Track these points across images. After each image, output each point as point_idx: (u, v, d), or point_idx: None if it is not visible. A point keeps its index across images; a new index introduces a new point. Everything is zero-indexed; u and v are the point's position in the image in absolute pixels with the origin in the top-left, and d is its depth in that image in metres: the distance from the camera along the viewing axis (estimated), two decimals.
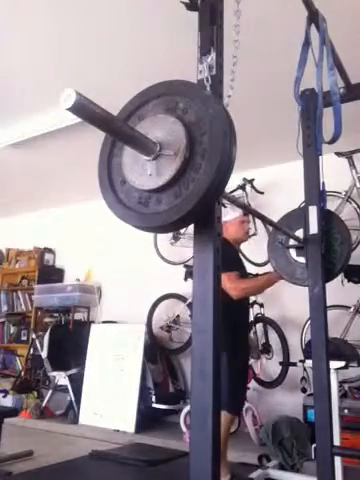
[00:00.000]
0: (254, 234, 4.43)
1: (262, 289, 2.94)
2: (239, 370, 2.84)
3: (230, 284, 2.76)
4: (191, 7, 1.17)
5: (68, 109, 0.82)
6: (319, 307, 1.86)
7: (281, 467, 3.18)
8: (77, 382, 4.77)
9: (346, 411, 3.31)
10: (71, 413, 4.69)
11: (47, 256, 6.25)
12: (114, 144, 1.15)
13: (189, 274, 4.60)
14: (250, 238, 4.44)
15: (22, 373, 5.57)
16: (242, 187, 4.54)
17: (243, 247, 4.41)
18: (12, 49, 3.04)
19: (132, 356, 4.56)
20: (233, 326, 2.76)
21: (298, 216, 2.06)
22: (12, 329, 6.22)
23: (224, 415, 2.76)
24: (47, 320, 5.90)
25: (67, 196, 5.90)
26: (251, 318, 4.19)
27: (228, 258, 2.78)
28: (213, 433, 0.97)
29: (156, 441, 4.00)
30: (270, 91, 3.39)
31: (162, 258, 5.05)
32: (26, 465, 3.29)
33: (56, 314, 5.79)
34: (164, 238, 4.99)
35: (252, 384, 4.07)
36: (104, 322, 5.29)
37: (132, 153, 1.06)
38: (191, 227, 1.08)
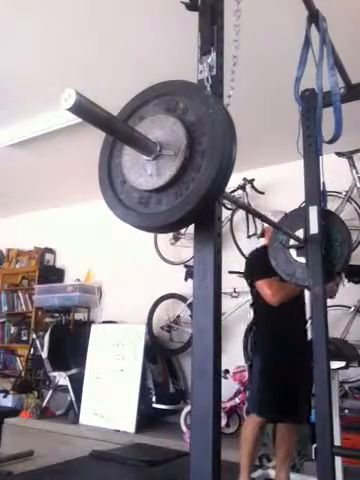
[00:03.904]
0: (254, 234, 4.44)
1: (295, 294, 2.68)
2: (274, 374, 2.67)
3: (271, 290, 2.69)
4: (191, 7, 1.16)
5: (68, 109, 0.82)
6: (319, 307, 1.86)
7: None
8: (77, 382, 4.77)
9: (346, 411, 3.31)
10: (71, 413, 4.70)
11: (47, 256, 6.25)
12: (114, 144, 1.14)
13: (189, 274, 4.60)
14: (250, 238, 4.47)
15: (22, 373, 5.57)
16: (242, 187, 4.55)
17: (243, 247, 4.43)
18: (12, 49, 3.04)
19: (132, 356, 4.57)
20: (272, 329, 2.74)
21: (298, 216, 2.06)
22: (12, 329, 6.22)
23: (251, 418, 2.73)
24: (47, 320, 5.90)
25: (67, 196, 5.90)
26: (251, 318, 4.21)
27: (266, 264, 2.76)
28: (213, 433, 0.97)
29: (156, 441, 4.00)
30: (270, 91, 3.38)
31: (162, 258, 5.05)
32: (26, 465, 3.29)
33: (56, 314, 5.79)
34: (164, 238, 4.99)
35: None
36: (104, 322, 5.29)
37: (132, 153, 1.06)
38: (191, 227, 1.08)
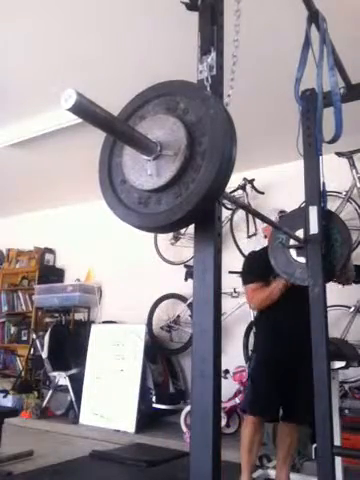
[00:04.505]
0: (254, 234, 4.44)
1: (273, 297, 2.67)
2: (268, 373, 2.67)
3: (248, 296, 2.85)
4: (191, 7, 1.16)
5: (68, 109, 0.82)
6: (319, 307, 1.86)
7: None
8: (77, 382, 4.77)
9: (346, 411, 3.31)
10: (71, 413, 4.70)
11: (47, 256, 6.25)
12: (114, 144, 1.14)
13: (189, 274, 4.60)
14: (250, 238, 4.47)
15: (22, 373, 5.57)
16: (242, 187, 4.55)
17: (243, 247, 4.43)
18: (12, 49, 3.04)
19: (132, 356, 4.56)
20: (271, 329, 2.76)
21: (298, 216, 2.06)
22: (12, 329, 6.22)
23: (247, 417, 2.73)
24: (47, 320, 5.91)
25: (67, 196, 5.90)
26: (251, 318, 4.21)
27: (256, 268, 2.79)
28: (213, 433, 0.97)
29: (156, 441, 4.00)
30: (270, 91, 3.38)
31: (162, 258, 5.05)
32: (26, 465, 3.29)
33: (56, 314, 5.79)
34: (164, 238, 4.99)
35: None
36: (104, 322, 5.29)
37: (132, 153, 1.06)
38: (191, 227, 1.08)
